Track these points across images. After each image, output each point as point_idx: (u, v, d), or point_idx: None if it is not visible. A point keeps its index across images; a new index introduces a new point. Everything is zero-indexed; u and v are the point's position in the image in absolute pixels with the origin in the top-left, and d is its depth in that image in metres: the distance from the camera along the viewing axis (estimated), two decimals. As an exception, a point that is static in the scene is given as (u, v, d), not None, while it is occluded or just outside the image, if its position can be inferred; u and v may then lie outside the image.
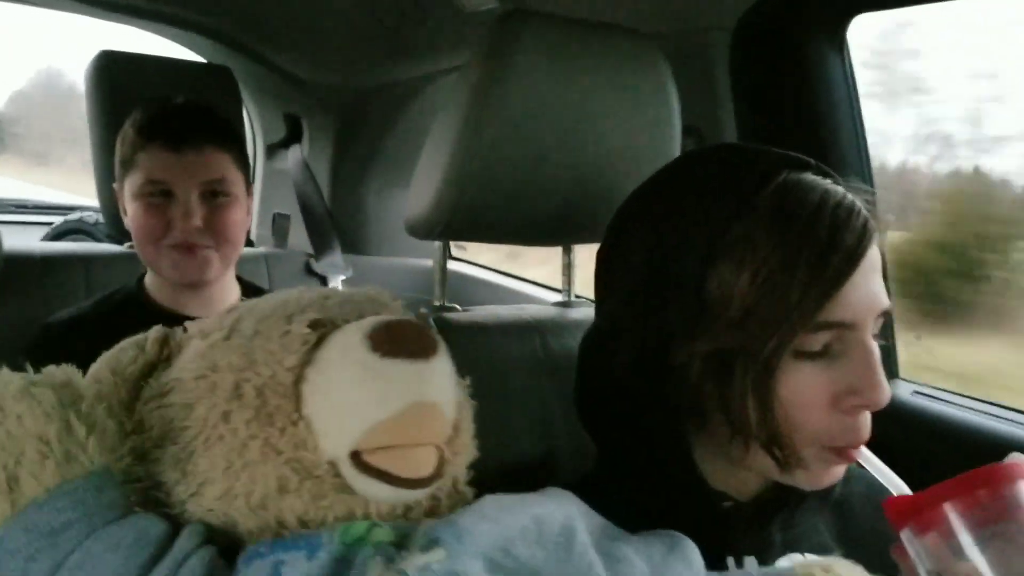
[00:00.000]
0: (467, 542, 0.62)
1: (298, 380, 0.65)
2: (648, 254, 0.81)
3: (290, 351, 0.66)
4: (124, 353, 0.72)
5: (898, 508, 0.69)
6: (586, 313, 1.20)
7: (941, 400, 1.36)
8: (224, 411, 0.65)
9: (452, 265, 2.45)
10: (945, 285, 1.84)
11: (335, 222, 2.21)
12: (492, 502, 0.68)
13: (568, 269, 1.26)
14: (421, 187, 1.05)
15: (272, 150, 2.31)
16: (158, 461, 0.68)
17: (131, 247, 1.75)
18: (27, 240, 2.33)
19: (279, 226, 2.20)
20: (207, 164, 1.42)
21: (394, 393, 0.63)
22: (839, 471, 0.82)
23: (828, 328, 0.76)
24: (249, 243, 1.94)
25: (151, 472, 0.68)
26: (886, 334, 1.44)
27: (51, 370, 0.66)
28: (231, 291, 1.55)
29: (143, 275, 1.53)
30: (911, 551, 0.68)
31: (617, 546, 0.71)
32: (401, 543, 0.63)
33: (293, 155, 2.28)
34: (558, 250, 1.26)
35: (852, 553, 0.72)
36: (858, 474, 0.95)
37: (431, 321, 1.07)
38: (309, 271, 2.08)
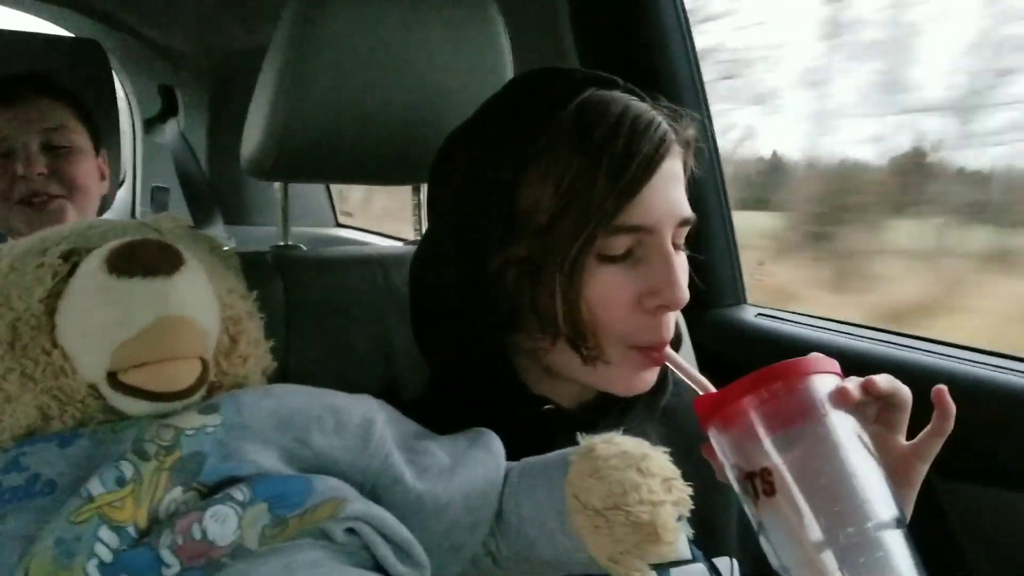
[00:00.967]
0: (246, 413, 0.65)
1: (52, 311, 0.66)
2: (464, 172, 0.85)
3: (41, 283, 0.67)
4: None
5: (703, 406, 0.71)
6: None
7: (781, 320, 1.43)
8: None
9: (341, 232, 2.48)
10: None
11: (215, 193, 2.20)
12: (282, 386, 0.71)
13: (417, 209, 1.29)
14: (253, 127, 1.06)
15: (150, 124, 2.29)
16: None
17: None
18: None
19: (158, 200, 2.18)
20: (43, 115, 1.43)
21: (135, 311, 0.63)
22: (649, 376, 0.86)
23: (628, 232, 0.80)
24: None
25: None
26: (733, 264, 1.51)
27: None
28: None
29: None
30: (717, 448, 0.70)
31: (421, 443, 0.74)
32: None
33: (170, 128, 2.26)
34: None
35: (678, 459, 0.73)
36: (686, 386, 1.01)
37: (268, 257, 1.09)
38: None
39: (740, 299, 1.51)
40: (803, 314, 1.44)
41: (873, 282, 2.17)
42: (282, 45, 1.01)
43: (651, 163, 0.80)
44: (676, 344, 0.88)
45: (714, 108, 1.47)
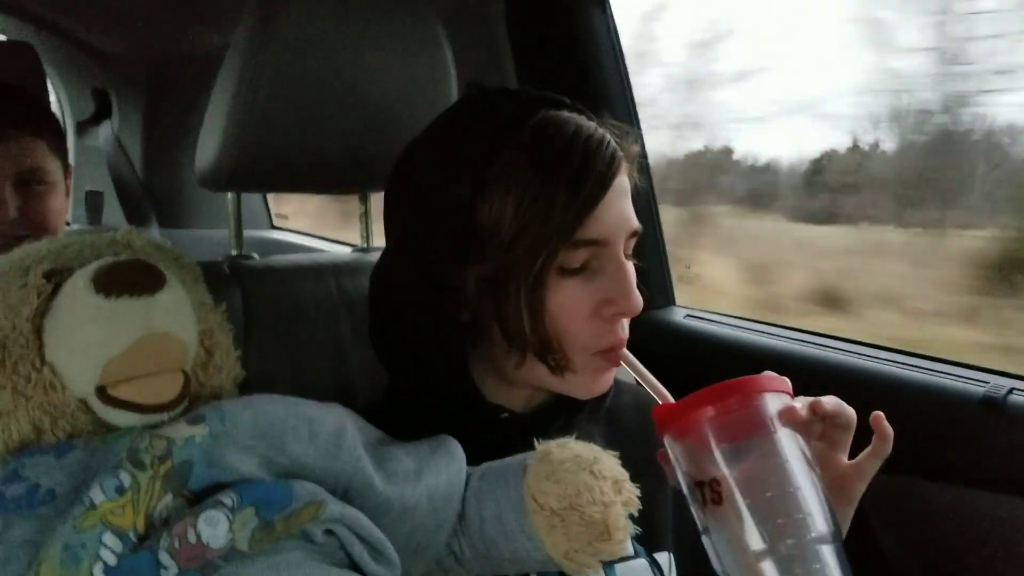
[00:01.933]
0: (228, 423, 0.69)
1: (38, 329, 0.69)
2: (422, 189, 0.89)
3: (27, 302, 0.70)
4: None
5: (661, 415, 0.75)
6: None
7: (708, 320, 1.51)
8: None
9: (276, 234, 2.50)
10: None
11: (150, 196, 2.21)
12: (260, 396, 0.75)
13: (365, 217, 1.33)
14: (207, 139, 1.10)
15: (83, 127, 2.28)
16: None
17: None
18: None
19: (92, 203, 2.18)
20: (19, 154, 1.37)
21: (123, 329, 0.67)
22: (609, 377, 0.91)
23: (586, 246, 0.84)
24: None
25: None
26: (663, 268, 1.59)
27: None
28: None
29: None
30: (671, 455, 0.74)
31: (387, 449, 0.79)
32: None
33: (104, 131, 2.26)
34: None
35: (621, 459, 0.77)
36: (626, 387, 1.06)
37: (225, 268, 1.12)
38: None
39: (670, 301, 1.60)
40: (727, 315, 1.52)
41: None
42: (236, 61, 1.05)
43: (605, 180, 0.84)
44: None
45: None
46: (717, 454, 0.70)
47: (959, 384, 1.15)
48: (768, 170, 2.60)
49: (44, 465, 0.65)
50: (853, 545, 1.16)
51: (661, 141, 2.56)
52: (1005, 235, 1.94)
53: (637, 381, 0.86)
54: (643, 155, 1.08)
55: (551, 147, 0.84)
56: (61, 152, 1.45)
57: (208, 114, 1.10)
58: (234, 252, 1.20)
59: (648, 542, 0.95)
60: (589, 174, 0.83)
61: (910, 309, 2.02)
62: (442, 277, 0.86)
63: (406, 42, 1.13)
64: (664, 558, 0.97)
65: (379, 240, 1.35)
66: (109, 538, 0.59)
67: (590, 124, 0.87)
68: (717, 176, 2.69)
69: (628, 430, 0.87)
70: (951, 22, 1.88)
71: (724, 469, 0.69)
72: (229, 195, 1.18)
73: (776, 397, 0.72)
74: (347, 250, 1.98)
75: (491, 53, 1.49)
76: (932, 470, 1.15)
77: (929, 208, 2.11)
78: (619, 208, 0.87)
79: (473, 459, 0.82)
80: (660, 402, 0.80)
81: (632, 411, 1.04)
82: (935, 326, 1.92)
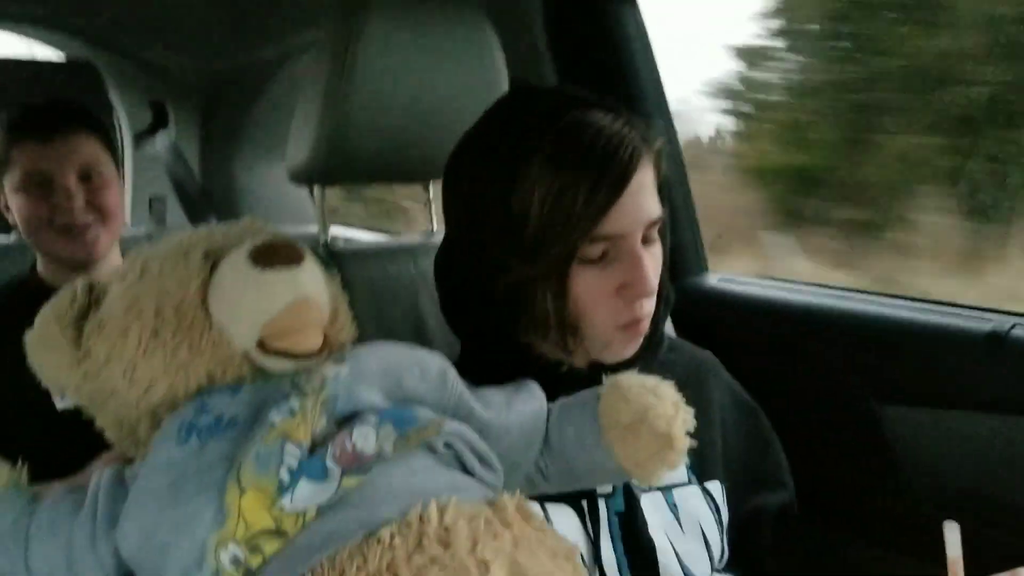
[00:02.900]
0: (363, 362, 0.85)
1: (204, 299, 0.85)
2: (468, 180, 1.01)
3: (192, 277, 0.85)
4: (61, 301, 0.90)
5: None
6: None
7: (740, 283, 1.66)
8: (153, 329, 0.84)
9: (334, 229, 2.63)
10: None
11: (209, 198, 2.37)
12: (383, 343, 0.91)
13: (429, 203, 1.50)
14: (297, 140, 1.26)
15: (140, 138, 2.43)
16: (108, 377, 0.86)
17: (14, 238, 1.85)
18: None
19: (156, 208, 2.33)
20: (78, 150, 1.53)
21: (277, 294, 0.83)
22: (632, 347, 1.01)
23: (603, 240, 0.93)
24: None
25: (101, 386, 0.86)
26: (696, 239, 1.74)
27: None
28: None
29: (35, 263, 1.64)
30: None
31: (477, 389, 0.94)
32: None
33: (161, 140, 2.41)
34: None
35: None
36: (679, 344, 1.20)
37: (320, 250, 1.29)
38: None
39: (704, 267, 1.74)
40: (759, 277, 1.67)
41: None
42: (323, 71, 1.21)
43: (622, 181, 0.92)
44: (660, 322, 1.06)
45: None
46: None
47: (969, 323, 1.29)
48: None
49: (223, 401, 0.81)
50: (885, 480, 1.28)
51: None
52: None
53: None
54: (673, 141, 1.18)
55: (574, 150, 0.92)
56: (113, 150, 1.62)
57: (297, 119, 1.26)
58: (321, 239, 1.36)
59: (699, 474, 1.08)
60: (606, 176, 0.91)
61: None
62: (488, 261, 0.97)
63: (463, 46, 1.29)
64: (716, 487, 1.09)
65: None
66: (289, 448, 0.74)
67: (613, 125, 0.94)
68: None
69: (680, 380, 0.92)
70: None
71: None
72: (315, 189, 1.34)
73: None
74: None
75: (532, 50, 1.64)
76: (949, 400, 1.28)
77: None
78: (637, 203, 0.94)
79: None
80: None
81: (682, 364, 1.14)
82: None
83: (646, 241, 0.97)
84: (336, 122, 1.21)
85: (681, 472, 1.07)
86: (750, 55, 3.00)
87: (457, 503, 0.73)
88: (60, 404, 0.93)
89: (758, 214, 2.95)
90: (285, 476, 0.72)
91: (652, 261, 0.97)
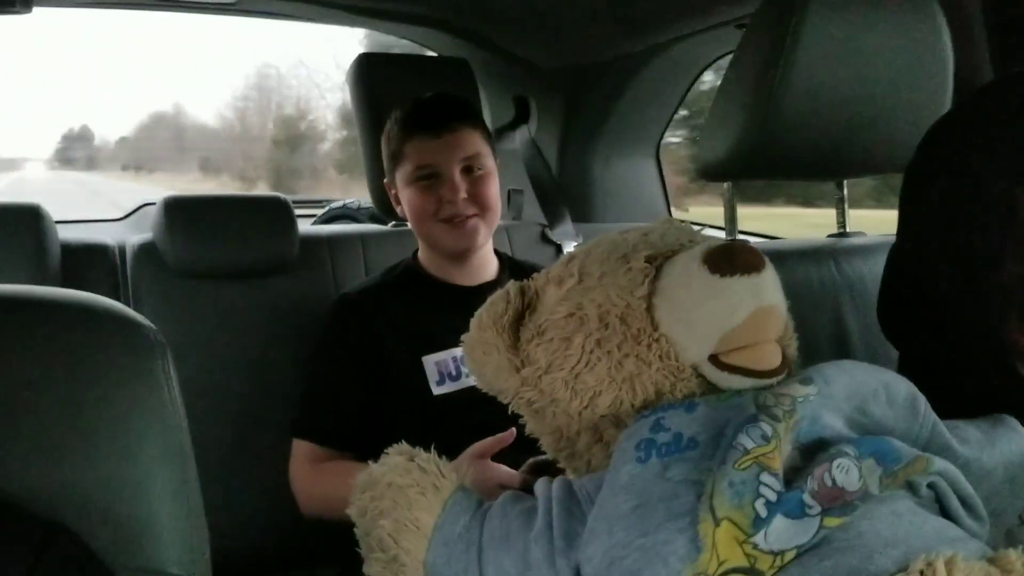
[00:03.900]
0: (832, 384, 0.75)
1: (649, 306, 0.80)
2: (954, 180, 0.89)
3: (636, 283, 0.80)
4: (496, 306, 0.88)
5: None
6: (868, 241, 1.33)
7: None
8: (597, 339, 0.80)
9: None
10: None
11: (564, 194, 2.38)
12: (848, 361, 0.81)
13: (842, 203, 1.37)
14: (713, 135, 1.18)
15: (500, 132, 2.48)
16: (549, 385, 0.83)
17: (395, 227, 1.98)
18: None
19: (514, 201, 2.37)
20: (463, 143, 1.61)
21: (739, 304, 0.76)
22: None
23: None
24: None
25: (543, 394, 0.84)
26: None
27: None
28: (490, 261, 1.73)
29: (416, 251, 1.73)
30: None
31: (947, 420, 0.82)
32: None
33: (520, 135, 2.45)
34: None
35: None
36: None
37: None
38: (544, 239, 2.26)
39: None
40: None
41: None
42: (752, 61, 1.11)
43: None
44: None
45: None
46: None
47: None
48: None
49: (680, 418, 0.74)
50: None
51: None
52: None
53: None
54: None
55: None
56: (491, 144, 1.68)
57: (712, 114, 1.18)
58: (728, 239, 1.27)
59: None
60: None
61: None
62: (977, 263, 0.86)
63: (908, 25, 1.15)
64: None
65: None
66: (766, 477, 0.67)
67: None
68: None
69: None
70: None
71: None
72: (726, 184, 1.26)
73: None
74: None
75: (964, 31, 1.45)
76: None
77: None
78: None
79: None
80: None
81: None
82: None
83: None
84: (763, 115, 1.12)
85: None
86: None
87: (964, 560, 0.63)
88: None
89: None
90: (762, 510, 0.65)
91: None
